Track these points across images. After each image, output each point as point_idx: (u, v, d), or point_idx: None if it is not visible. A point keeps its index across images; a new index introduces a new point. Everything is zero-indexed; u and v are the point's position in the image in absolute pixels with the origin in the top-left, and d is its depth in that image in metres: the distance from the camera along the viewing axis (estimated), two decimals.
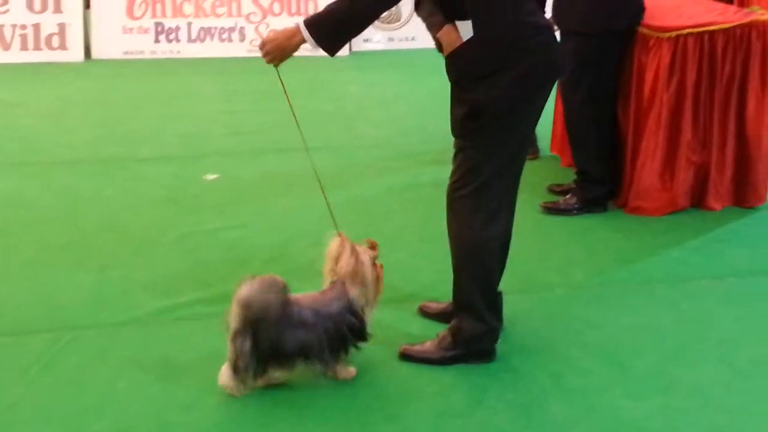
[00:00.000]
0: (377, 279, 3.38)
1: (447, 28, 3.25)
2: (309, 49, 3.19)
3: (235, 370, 3.19)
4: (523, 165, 3.42)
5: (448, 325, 3.55)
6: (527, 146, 3.47)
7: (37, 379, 3.36)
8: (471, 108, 3.26)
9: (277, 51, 3.21)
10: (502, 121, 3.25)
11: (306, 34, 3.12)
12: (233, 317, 3.15)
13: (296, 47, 3.18)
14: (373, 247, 3.41)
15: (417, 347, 3.52)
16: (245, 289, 3.14)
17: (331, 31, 3.15)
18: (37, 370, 3.41)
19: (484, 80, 3.23)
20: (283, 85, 3.43)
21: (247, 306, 3.12)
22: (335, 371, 3.32)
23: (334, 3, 3.16)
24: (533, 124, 3.40)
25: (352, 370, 3.37)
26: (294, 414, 3.16)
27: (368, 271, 3.32)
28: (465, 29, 3.21)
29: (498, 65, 3.20)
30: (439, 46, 3.34)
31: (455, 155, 3.40)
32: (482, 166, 3.29)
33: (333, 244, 3.36)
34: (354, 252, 3.31)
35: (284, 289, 3.20)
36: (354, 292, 3.30)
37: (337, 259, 3.32)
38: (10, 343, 3.61)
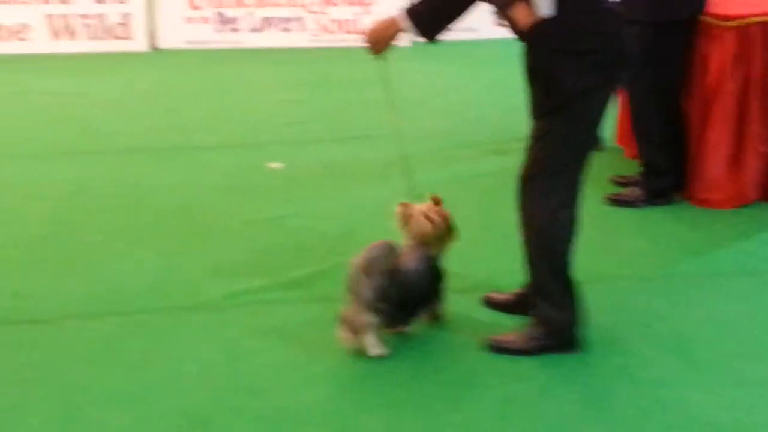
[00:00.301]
0: (447, 229, 3.54)
1: (518, 5, 3.22)
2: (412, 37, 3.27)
3: (380, 329, 3.36)
4: (590, 155, 3.38)
5: (512, 315, 3.52)
6: (596, 135, 3.41)
7: (104, 361, 3.40)
8: (546, 87, 3.25)
9: (376, 41, 3.32)
10: (574, 104, 3.21)
11: (406, 22, 3.21)
12: (364, 288, 3.30)
13: (394, 36, 3.28)
14: (437, 202, 3.53)
15: (504, 337, 3.49)
16: (366, 259, 3.31)
17: (429, 18, 3.22)
18: (104, 353, 3.45)
19: (558, 59, 3.19)
20: (384, 74, 3.48)
21: (377, 272, 3.30)
22: (438, 312, 3.60)
23: None
24: (603, 112, 3.34)
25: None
26: (357, 399, 3.16)
27: (437, 227, 3.49)
28: (542, 5, 3.17)
29: (573, 46, 3.17)
30: (513, 28, 3.31)
31: (530, 139, 3.37)
32: (556, 151, 3.27)
33: (399, 211, 3.52)
34: (418, 216, 3.47)
35: (394, 246, 3.41)
36: (430, 250, 3.49)
37: (406, 225, 3.50)
38: (79, 327, 3.66)
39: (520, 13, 3.23)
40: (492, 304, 3.80)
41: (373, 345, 3.39)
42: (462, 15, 3.25)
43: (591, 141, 3.35)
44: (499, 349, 3.46)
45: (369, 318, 3.36)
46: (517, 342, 3.47)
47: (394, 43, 3.32)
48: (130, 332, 3.60)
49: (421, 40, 3.24)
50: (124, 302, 3.86)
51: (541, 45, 3.25)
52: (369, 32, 3.35)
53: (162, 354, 3.45)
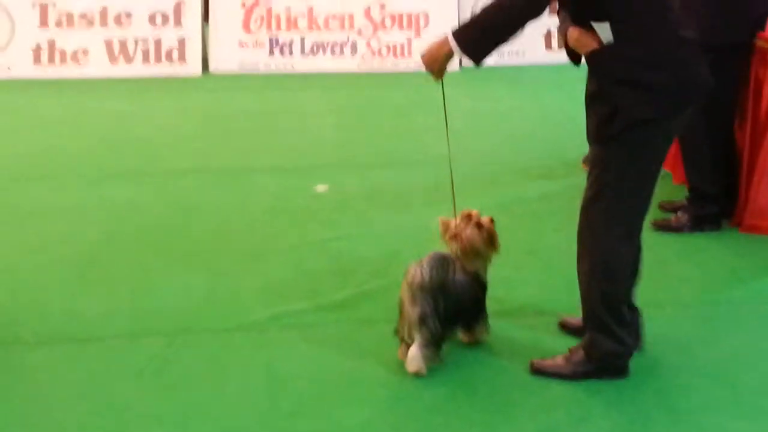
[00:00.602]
0: (489, 240, 3.58)
1: (574, 31, 3.25)
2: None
3: (430, 347, 3.40)
4: (655, 185, 3.34)
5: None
6: (658, 167, 3.33)
7: (150, 380, 3.47)
8: (607, 113, 3.23)
9: (431, 63, 3.29)
10: (636, 133, 3.19)
11: (453, 43, 3.18)
12: (412, 305, 3.37)
13: (447, 57, 3.25)
14: (469, 217, 3.56)
15: (549, 362, 3.51)
16: (418, 273, 3.38)
17: (476, 40, 3.19)
18: (151, 372, 3.53)
19: (620, 86, 3.19)
20: (443, 96, 3.56)
21: (428, 288, 3.38)
22: (477, 333, 3.64)
23: (481, 11, 3.19)
24: (666, 144, 3.31)
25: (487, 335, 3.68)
26: (394, 422, 3.20)
27: (476, 242, 3.53)
28: (603, 32, 3.18)
29: (635, 73, 3.16)
30: (571, 54, 3.34)
31: (591, 167, 3.37)
32: (617, 180, 3.25)
33: (444, 223, 3.60)
34: (456, 234, 3.52)
35: (448, 259, 3.48)
36: (472, 265, 3.54)
37: (453, 238, 3.55)
38: (126, 345, 3.74)
39: (577, 41, 3.26)
40: (567, 327, 3.80)
41: (412, 361, 3.42)
42: (509, 39, 3.23)
43: (652, 173, 3.30)
44: (541, 372, 3.48)
45: (415, 334, 3.40)
46: (560, 366, 3.48)
47: (449, 64, 3.31)
48: (175, 352, 3.67)
49: (468, 62, 3.26)
50: (170, 322, 3.94)
51: (602, 72, 3.26)
52: (423, 55, 3.33)
53: (205, 375, 3.51)
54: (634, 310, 3.52)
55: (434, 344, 3.44)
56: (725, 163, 4.93)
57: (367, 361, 3.59)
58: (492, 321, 3.75)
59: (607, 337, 3.39)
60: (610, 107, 3.22)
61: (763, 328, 3.82)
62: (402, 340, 3.48)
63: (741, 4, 4.67)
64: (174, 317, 3.98)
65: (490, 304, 3.76)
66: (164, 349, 3.69)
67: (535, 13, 3.16)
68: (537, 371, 3.49)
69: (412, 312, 3.39)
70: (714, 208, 4.90)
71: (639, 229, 3.37)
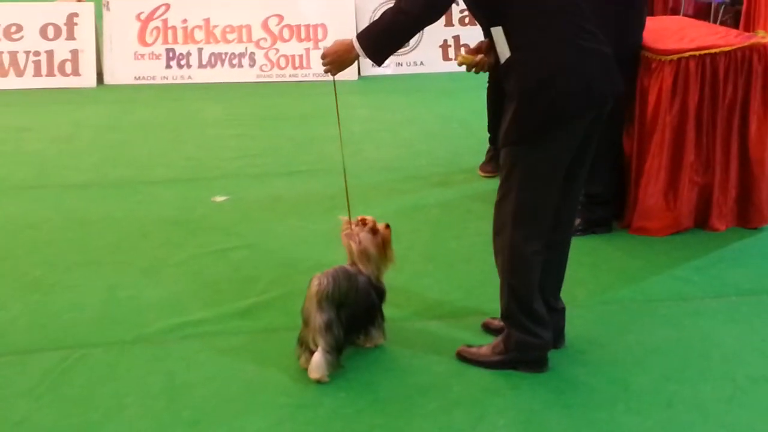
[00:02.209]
0: (383, 246, 3.66)
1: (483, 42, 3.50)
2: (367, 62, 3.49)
3: (332, 354, 3.45)
4: (558, 189, 3.42)
5: None
6: (561, 170, 3.40)
7: (44, 396, 3.41)
8: (509, 119, 3.35)
9: (337, 62, 3.46)
10: (534, 142, 3.31)
11: (357, 47, 3.38)
12: (318, 312, 3.41)
13: (355, 59, 3.45)
14: (364, 222, 3.64)
15: (473, 349, 3.66)
16: (323, 282, 3.43)
17: (377, 43, 3.38)
18: (45, 388, 3.46)
19: (517, 95, 3.31)
20: (336, 99, 3.77)
21: (331, 297, 3.43)
22: (375, 338, 3.71)
23: (382, 16, 3.39)
24: (568, 151, 3.38)
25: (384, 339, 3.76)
26: (292, 430, 3.20)
27: (368, 247, 3.62)
28: (499, 38, 3.34)
29: (529, 83, 3.29)
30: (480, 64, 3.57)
31: (500, 167, 3.48)
32: (520, 183, 3.36)
33: (342, 233, 3.67)
34: (350, 239, 3.60)
35: (350, 272, 3.56)
36: (367, 268, 3.61)
37: (351, 244, 3.63)
38: (18, 362, 3.66)
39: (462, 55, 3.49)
40: (490, 329, 3.89)
41: (316, 368, 3.45)
42: (408, 41, 3.39)
43: (554, 178, 3.39)
44: (463, 358, 3.63)
45: (320, 341, 3.44)
46: (481, 355, 3.62)
47: (350, 65, 3.49)
48: (71, 366, 3.61)
49: (370, 63, 3.40)
50: (66, 337, 3.87)
51: (504, 79, 3.39)
52: (329, 54, 3.47)
53: (104, 388, 3.46)
54: (554, 309, 3.64)
55: (337, 350, 3.48)
56: (616, 169, 5.09)
57: (269, 369, 3.59)
58: (392, 325, 3.81)
59: (519, 330, 3.53)
60: (509, 115, 3.34)
61: (652, 326, 3.95)
62: (306, 347, 3.50)
63: (627, 21, 4.83)
64: (70, 332, 3.91)
65: (390, 310, 3.82)
66: (59, 363, 3.63)
67: (433, 19, 3.36)
68: (460, 357, 3.64)
69: (319, 319, 3.42)
70: (605, 211, 5.05)
71: (545, 230, 3.46)
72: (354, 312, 3.54)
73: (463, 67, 3.61)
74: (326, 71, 3.51)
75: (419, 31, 3.49)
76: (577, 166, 3.46)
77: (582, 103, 3.32)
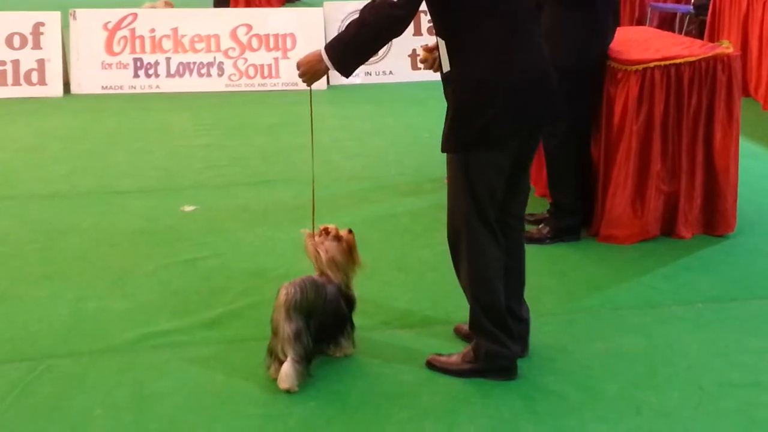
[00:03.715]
0: (349, 252, 3.68)
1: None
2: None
3: (302, 363, 3.45)
4: (500, 193, 3.47)
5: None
6: (495, 180, 3.44)
7: (11, 407, 3.38)
8: (445, 128, 3.44)
9: (310, 73, 3.45)
10: (468, 153, 3.38)
11: (326, 59, 3.38)
12: (287, 322, 3.41)
13: (326, 70, 3.43)
14: (327, 231, 3.66)
15: (443, 358, 3.67)
16: (291, 291, 3.44)
17: (344, 55, 3.38)
18: (12, 399, 3.43)
19: (455, 110, 3.39)
20: (311, 107, 3.84)
21: (301, 306, 3.44)
22: (344, 347, 3.71)
23: (347, 28, 3.38)
24: (502, 163, 3.42)
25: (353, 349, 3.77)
26: None
27: (335, 255, 3.64)
28: (443, 49, 3.42)
29: (461, 101, 3.38)
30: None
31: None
32: (461, 189, 3.44)
33: (306, 245, 3.68)
34: (316, 249, 3.64)
35: (318, 282, 3.57)
36: (337, 277, 3.63)
37: (313, 257, 3.66)
38: None
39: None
40: (459, 333, 3.93)
41: (285, 378, 3.45)
42: (375, 54, 3.45)
43: (490, 187, 3.43)
44: (434, 367, 3.64)
45: (289, 350, 3.44)
46: (452, 363, 3.63)
47: (323, 75, 3.49)
48: (38, 377, 3.58)
49: (338, 74, 3.42)
50: (33, 347, 3.84)
51: (445, 90, 3.46)
52: (302, 64, 3.47)
53: (71, 399, 3.44)
54: (519, 318, 3.67)
55: (306, 360, 3.48)
56: (584, 177, 5.13)
57: (238, 379, 3.58)
58: (362, 335, 3.82)
59: (486, 339, 3.56)
60: (448, 122, 3.43)
61: (619, 334, 3.98)
62: (275, 357, 3.50)
63: (596, 33, 4.88)
64: (36, 343, 3.88)
65: (360, 319, 3.83)
66: (26, 374, 3.60)
67: (396, 32, 3.34)
68: (430, 365, 3.65)
69: (288, 328, 3.42)
70: (574, 220, 5.09)
71: (496, 239, 3.50)
72: (323, 321, 3.55)
73: (425, 67, 3.69)
74: (303, 81, 3.50)
75: (384, 45, 3.50)
76: (518, 170, 3.54)
77: (514, 126, 3.39)
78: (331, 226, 3.69)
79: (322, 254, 3.62)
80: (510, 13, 3.34)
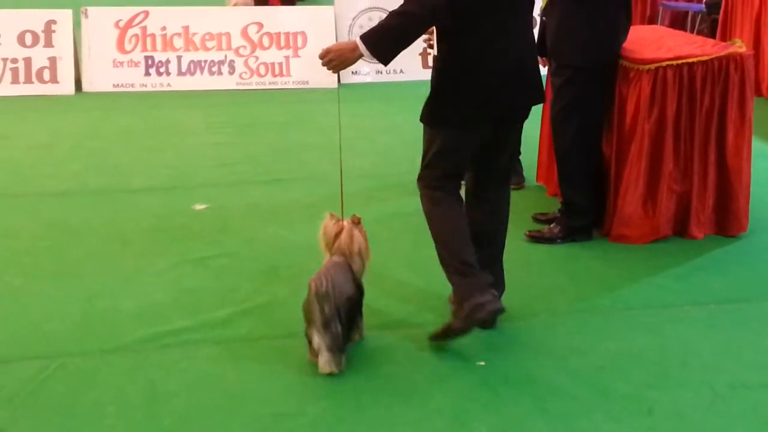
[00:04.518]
0: (367, 248, 3.83)
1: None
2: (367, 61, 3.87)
3: (335, 350, 3.54)
4: (457, 162, 3.85)
5: None
6: (464, 152, 3.83)
7: (24, 405, 3.39)
8: (424, 103, 3.83)
9: (340, 60, 3.64)
10: (437, 128, 3.80)
11: (362, 47, 3.57)
12: (319, 310, 3.50)
13: (357, 59, 3.63)
14: (358, 221, 3.79)
15: (442, 326, 3.82)
16: (321, 283, 3.53)
17: (383, 43, 3.60)
18: (24, 397, 3.44)
19: (432, 90, 3.78)
20: (339, 105, 4.06)
21: (329, 295, 3.52)
22: (361, 329, 3.83)
23: (385, 19, 3.65)
24: (469, 142, 3.79)
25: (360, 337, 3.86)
26: None
27: (363, 244, 3.77)
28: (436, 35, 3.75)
29: (437, 84, 3.74)
30: None
31: None
32: (434, 153, 3.84)
33: (329, 224, 3.76)
34: (351, 231, 3.73)
35: (349, 267, 3.68)
36: (354, 265, 3.72)
37: (335, 238, 3.74)
38: None
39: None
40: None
41: (324, 365, 3.54)
42: (412, 42, 3.64)
43: (458, 155, 3.82)
44: (438, 338, 3.82)
45: (322, 338, 3.53)
46: (450, 324, 3.79)
47: (351, 65, 3.68)
48: (50, 375, 3.59)
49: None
50: (46, 345, 3.85)
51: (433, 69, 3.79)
52: (333, 51, 3.65)
53: (83, 397, 3.45)
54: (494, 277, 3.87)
55: (339, 346, 3.56)
56: (596, 176, 5.12)
57: (250, 377, 3.59)
58: (372, 334, 3.83)
59: (457, 299, 3.78)
60: (426, 98, 3.80)
61: (632, 334, 3.97)
62: (310, 343, 3.59)
63: (607, 31, 4.86)
64: (49, 341, 3.89)
65: (371, 318, 3.85)
66: (39, 373, 3.61)
67: (436, 21, 3.62)
68: (435, 339, 3.82)
69: (319, 318, 3.51)
70: (585, 219, 5.07)
71: (442, 202, 3.85)
72: (350, 307, 3.63)
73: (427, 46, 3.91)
74: (329, 68, 3.66)
75: (424, 32, 3.71)
76: (494, 152, 3.89)
77: (481, 113, 3.72)
78: (358, 216, 3.78)
79: (355, 241, 3.69)
80: (494, 6, 3.64)
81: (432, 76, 3.75)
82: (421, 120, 3.84)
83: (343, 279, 3.62)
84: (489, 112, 3.72)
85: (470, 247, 3.81)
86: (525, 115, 3.95)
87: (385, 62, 3.65)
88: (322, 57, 3.65)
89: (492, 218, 4.01)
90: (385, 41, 3.58)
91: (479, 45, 3.63)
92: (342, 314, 3.55)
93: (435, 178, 3.85)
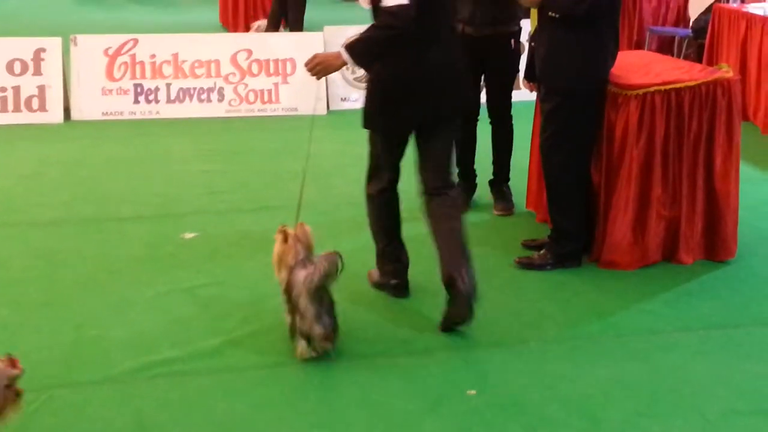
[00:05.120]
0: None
1: None
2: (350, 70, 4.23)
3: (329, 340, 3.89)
4: (386, 156, 4.42)
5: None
6: (390, 149, 4.45)
7: None
8: None
9: (324, 66, 4.13)
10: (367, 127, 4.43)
11: (346, 56, 4.04)
12: (309, 303, 3.82)
13: (340, 67, 4.13)
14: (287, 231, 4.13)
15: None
16: (310, 276, 3.83)
17: (365, 53, 4.08)
18: (13, 429, 3.40)
19: (365, 92, 4.38)
20: (312, 128, 4.05)
21: (319, 288, 3.84)
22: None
23: (366, 31, 4.08)
24: (391, 144, 4.41)
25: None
26: None
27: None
28: None
29: (368, 94, 4.32)
30: None
31: None
32: (370, 149, 4.56)
33: (277, 246, 4.10)
34: (301, 229, 4.12)
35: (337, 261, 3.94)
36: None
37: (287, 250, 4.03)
38: None
39: None
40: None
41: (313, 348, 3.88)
42: (387, 51, 4.10)
43: (387, 152, 4.43)
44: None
45: (313, 330, 3.84)
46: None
47: (335, 71, 4.25)
48: (39, 408, 3.57)
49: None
50: (34, 377, 3.79)
51: None
52: (318, 57, 4.17)
53: (71, 429, 3.42)
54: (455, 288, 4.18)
55: (329, 338, 3.88)
56: (585, 202, 5.13)
57: (239, 407, 3.57)
58: (365, 362, 3.85)
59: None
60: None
61: (622, 360, 3.97)
62: (299, 337, 3.87)
63: (595, 57, 4.88)
64: (36, 373, 3.84)
65: (363, 346, 3.88)
66: (28, 406, 3.53)
67: (409, 33, 4.01)
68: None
69: (310, 311, 3.81)
70: (575, 245, 5.08)
71: (387, 173, 4.49)
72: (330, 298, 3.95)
73: None
74: (313, 74, 4.14)
75: (394, 45, 4.08)
76: (424, 156, 4.42)
77: (396, 119, 4.27)
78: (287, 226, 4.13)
79: (309, 234, 4.08)
80: (435, 17, 4.14)
81: (369, 86, 4.31)
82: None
83: (337, 266, 3.93)
84: (398, 117, 4.26)
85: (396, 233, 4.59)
86: (453, 119, 4.41)
87: (366, 69, 4.24)
88: (308, 63, 4.11)
89: (439, 225, 4.38)
90: (366, 50, 4.06)
91: (392, 56, 4.11)
92: (328, 306, 3.89)
93: (369, 188, 4.58)
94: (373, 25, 4.05)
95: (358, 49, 4.04)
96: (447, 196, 4.39)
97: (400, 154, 4.45)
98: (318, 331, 3.83)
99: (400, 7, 3.94)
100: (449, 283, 4.13)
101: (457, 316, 4.12)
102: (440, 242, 4.29)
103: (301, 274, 3.85)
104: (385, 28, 4.02)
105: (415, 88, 4.17)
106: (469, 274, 4.13)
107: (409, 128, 4.34)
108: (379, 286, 4.68)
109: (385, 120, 4.30)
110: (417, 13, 3.96)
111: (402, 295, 4.59)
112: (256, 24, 11.08)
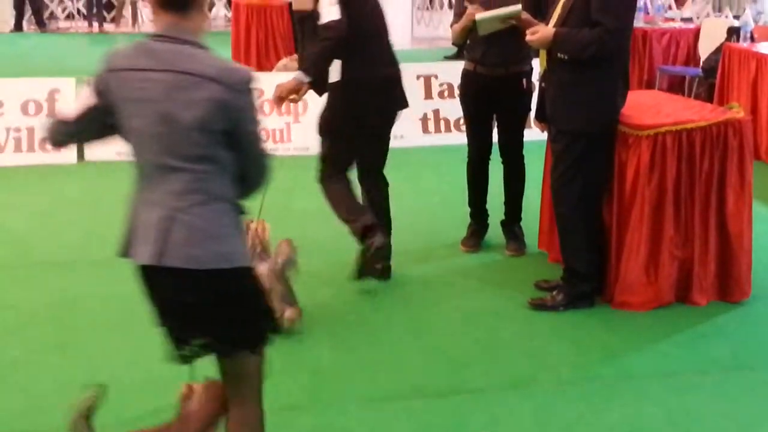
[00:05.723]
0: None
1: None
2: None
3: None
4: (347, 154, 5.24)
5: None
6: (348, 151, 5.29)
7: None
8: None
9: (279, 89, 4.97)
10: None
11: (300, 74, 4.92)
12: (280, 282, 4.56)
13: (298, 84, 4.93)
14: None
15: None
16: (273, 262, 4.65)
17: (310, 64, 4.94)
18: None
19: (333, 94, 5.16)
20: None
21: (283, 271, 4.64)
22: None
23: (310, 56, 4.97)
24: (347, 144, 5.20)
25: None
26: None
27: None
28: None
29: (343, 96, 5.09)
30: None
31: None
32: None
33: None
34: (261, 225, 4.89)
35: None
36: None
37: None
38: None
39: None
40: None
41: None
42: (328, 64, 4.97)
43: (340, 152, 5.24)
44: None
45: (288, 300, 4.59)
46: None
47: (297, 97, 5.00)
48: None
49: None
50: (47, 420, 3.82)
51: None
52: (280, 86, 4.96)
53: None
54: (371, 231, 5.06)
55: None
56: (598, 243, 5.12)
57: None
58: (374, 406, 3.81)
59: (353, 230, 5.15)
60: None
61: (636, 403, 3.95)
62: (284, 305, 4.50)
63: (606, 97, 4.89)
64: (50, 415, 3.85)
65: (372, 389, 3.82)
66: None
67: (342, 46, 4.87)
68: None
69: (281, 288, 4.56)
70: (588, 286, 5.06)
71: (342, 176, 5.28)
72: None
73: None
74: (276, 102, 5.04)
75: (332, 59, 4.96)
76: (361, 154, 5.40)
77: (361, 126, 5.08)
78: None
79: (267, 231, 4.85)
80: (376, 32, 5.10)
81: (330, 96, 5.08)
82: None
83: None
84: (373, 119, 5.11)
85: (359, 208, 5.23)
86: (393, 122, 5.37)
87: (317, 78, 4.94)
88: (273, 95, 4.96)
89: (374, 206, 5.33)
90: (312, 63, 4.92)
91: (367, 65, 4.97)
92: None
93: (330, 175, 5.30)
94: (316, 42, 4.87)
95: (307, 64, 4.93)
96: (373, 183, 5.42)
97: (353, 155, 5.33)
98: (286, 310, 4.49)
99: (333, 21, 4.79)
100: (371, 227, 5.05)
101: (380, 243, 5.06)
102: (374, 209, 5.30)
103: (262, 267, 4.46)
104: (322, 41, 4.84)
105: (389, 85, 5.13)
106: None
107: (392, 122, 5.35)
108: (364, 270, 5.25)
109: (374, 118, 5.14)
110: (348, 25, 4.78)
111: (382, 245, 5.13)
112: (282, 63, 11.13)
